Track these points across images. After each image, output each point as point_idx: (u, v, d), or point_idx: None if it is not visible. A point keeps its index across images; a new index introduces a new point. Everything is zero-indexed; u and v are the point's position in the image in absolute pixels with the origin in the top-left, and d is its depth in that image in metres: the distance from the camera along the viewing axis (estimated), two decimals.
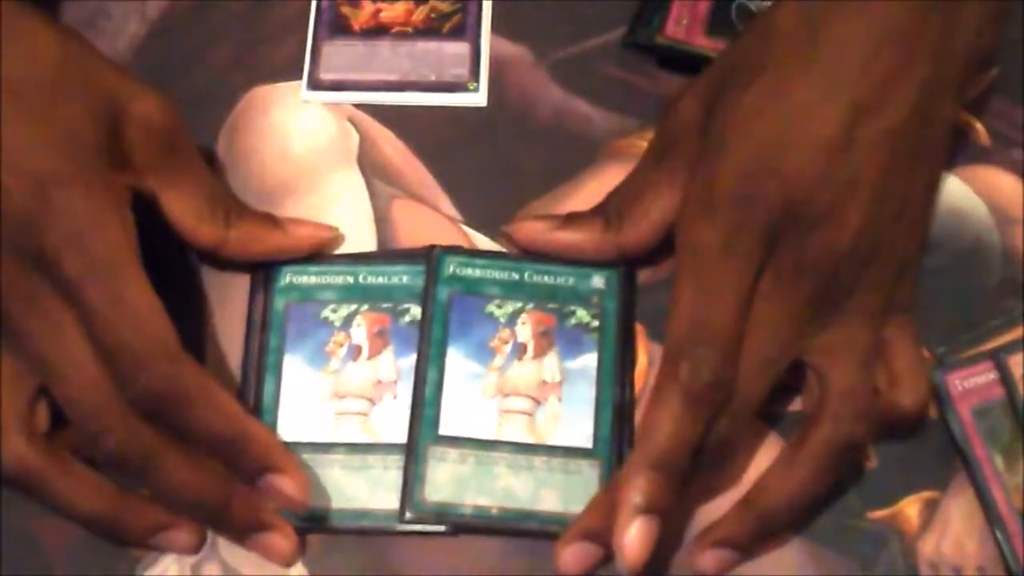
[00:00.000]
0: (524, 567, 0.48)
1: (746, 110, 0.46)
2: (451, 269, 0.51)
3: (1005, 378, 0.49)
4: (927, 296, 0.50)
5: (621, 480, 0.45)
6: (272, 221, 0.51)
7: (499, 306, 0.51)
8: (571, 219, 0.51)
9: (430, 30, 0.57)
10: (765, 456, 0.49)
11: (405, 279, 0.51)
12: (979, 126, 0.54)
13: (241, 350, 0.51)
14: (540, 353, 0.50)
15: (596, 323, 0.50)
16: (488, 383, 0.50)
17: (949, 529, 0.48)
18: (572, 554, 0.46)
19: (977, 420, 0.49)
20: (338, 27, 0.57)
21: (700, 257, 0.46)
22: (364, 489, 0.49)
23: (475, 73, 0.56)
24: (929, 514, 0.49)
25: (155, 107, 0.48)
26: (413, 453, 0.48)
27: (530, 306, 0.51)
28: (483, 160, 0.55)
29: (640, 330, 0.51)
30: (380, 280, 0.51)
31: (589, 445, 0.49)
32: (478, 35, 0.56)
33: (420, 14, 0.57)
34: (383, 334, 0.51)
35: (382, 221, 0.53)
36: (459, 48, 0.56)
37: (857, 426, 0.46)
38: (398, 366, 0.50)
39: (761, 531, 0.47)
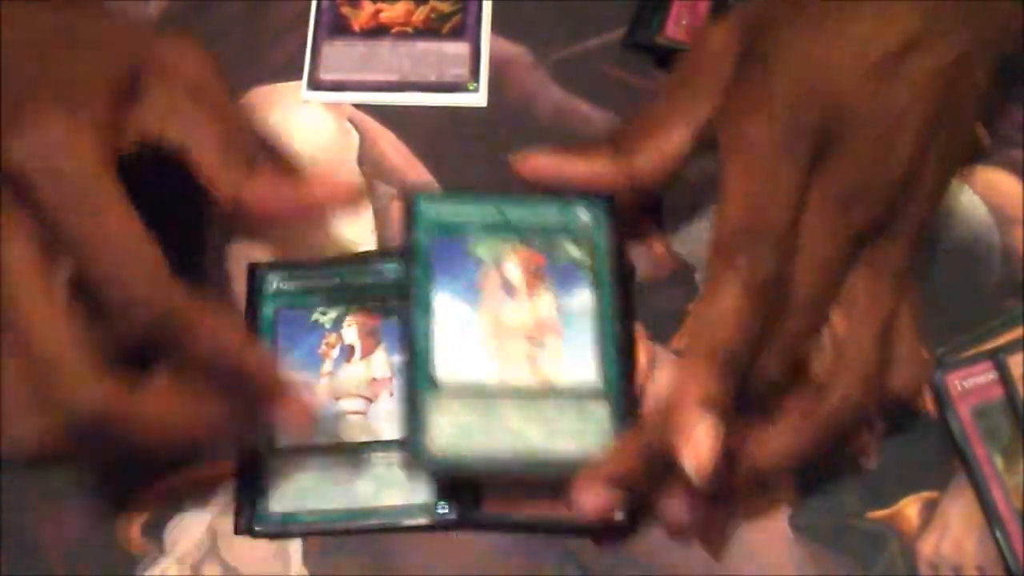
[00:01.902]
0: (524, 567, 0.48)
1: (795, 34, 0.45)
2: (429, 213, 0.49)
3: (1005, 378, 0.49)
4: (927, 296, 0.50)
5: (679, 377, 0.43)
6: (295, 172, 0.48)
7: (484, 247, 0.48)
8: (580, 148, 0.49)
9: (430, 30, 0.57)
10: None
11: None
12: (979, 127, 0.54)
13: None
14: (533, 292, 0.48)
15: (588, 258, 0.49)
16: (482, 326, 0.48)
17: (949, 529, 0.48)
18: (595, 498, 0.45)
19: (977, 420, 0.49)
20: (338, 27, 0.57)
21: (754, 153, 0.44)
22: (370, 488, 0.49)
23: (475, 73, 0.56)
24: (929, 514, 0.49)
25: (181, 52, 0.46)
26: (411, 403, 0.47)
27: (517, 244, 0.49)
28: (483, 160, 0.55)
29: (640, 330, 0.51)
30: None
31: (597, 384, 0.47)
32: (478, 35, 0.56)
33: (420, 14, 0.57)
34: (374, 333, 0.50)
35: (382, 221, 0.53)
36: (459, 48, 0.56)
37: (866, 398, 0.45)
38: (391, 363, 0.50)
39: (748, 483, 0.46)
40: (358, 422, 0.49)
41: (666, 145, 0.47)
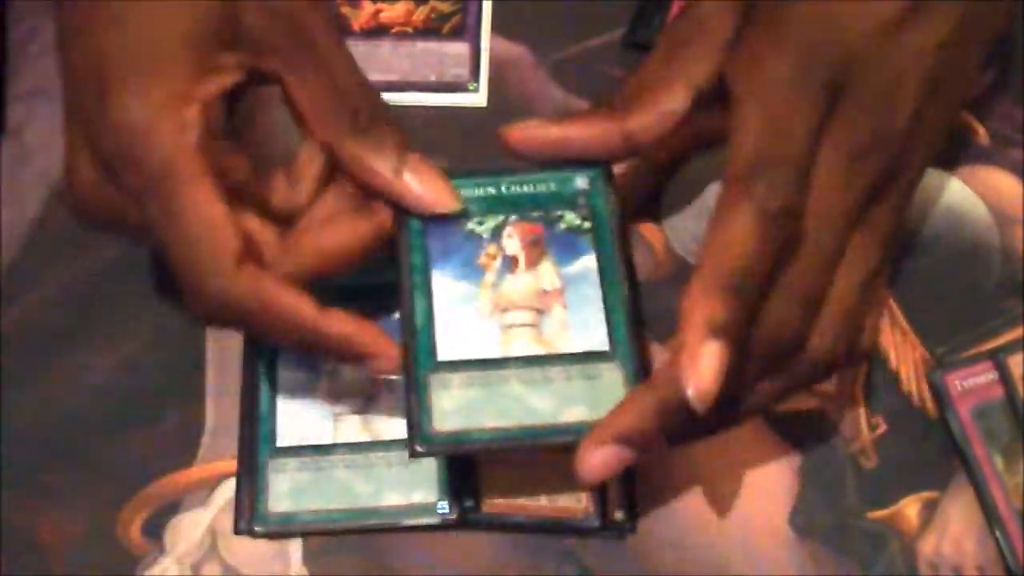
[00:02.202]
0: (525, 565, 0.48)
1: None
2: None
3: (1005, 378, 0.49)
4: (927, 296, 0.50)
5: (687, 302, 0.42)
6: (397, 153, 0.46)
7: (480, 223, 0.48)
8: (572, 114, 0.48)
9: (430, 30, 0.57)
10: (765, 456, 0.49)
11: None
12: (979, 126, 0.54)
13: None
14: (533, 263, 0.47)
15: (588, 224, 0.48)
16: (483, 301, 0.47)
17: (948, 529, 0.48)
18: (601, 458, 0.43)
19: (977, 420, 0.49)
20: (338, 27, 0.57)
21: (771, 88, 0.43)
22: (370, 488, 0.49)
23: (475, 73, 0.56)
24: (928, 514, 0.49)
25: None
26: (412, 385, 0.45)
27: (513, 217, 0.48)
28: (483, 160, 0.54)
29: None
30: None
31: (606, 348, 0.46)
32: (478, 35, 0.56)
33: (420, 14, 0.57)
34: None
35: None
36: (459, 48, 0.56)
37: (838, 350, 0.44)
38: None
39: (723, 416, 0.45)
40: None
41: (663, 104, 0.46)
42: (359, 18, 0.57)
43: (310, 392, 0.50)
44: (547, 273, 0.47)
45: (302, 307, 0.44)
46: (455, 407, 0.44)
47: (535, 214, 0.48)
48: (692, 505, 0.49)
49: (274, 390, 0.50)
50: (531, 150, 0.48)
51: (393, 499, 0.48)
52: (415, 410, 0.44)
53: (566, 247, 0.47)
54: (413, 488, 0.48)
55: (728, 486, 0.49)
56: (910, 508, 0.49)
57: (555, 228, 0.47)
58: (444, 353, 0.45)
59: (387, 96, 0.55)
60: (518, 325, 0.46)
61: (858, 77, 0.44)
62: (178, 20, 0.44)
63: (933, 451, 0.49)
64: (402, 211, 0.47)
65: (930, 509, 0.49)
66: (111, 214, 0.44)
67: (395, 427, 0.49)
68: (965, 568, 0.48)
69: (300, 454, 0.49)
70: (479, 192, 0.48)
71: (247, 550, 0.49)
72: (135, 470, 0.50)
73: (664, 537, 0.49)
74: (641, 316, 0.48)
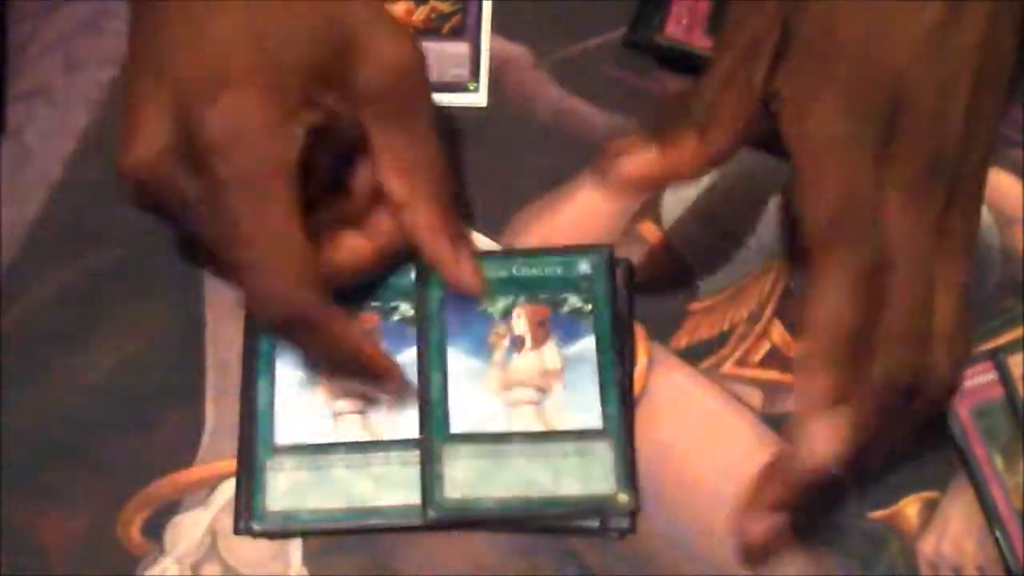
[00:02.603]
0: (524, 566, 0.48)
1: (842, 6, 0.44)
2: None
3: (1005, 378, 0.49)
4: None
5: (801, 379, 0.43)
6: (458, 243, 0.49)
7: (492, 303, 0.51)
8: (668, 140, 0.47)
9: (430, 30, 0.57)
10: (765, 456, 0.49)
11: (391, 278, 0.51)
12: None
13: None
14: (538, 343, 0.50)
15: (589, 307, 0.51)
16: (491, 378, 0.50)
17: (949, 529, 0.48)
18: (763, 527, 0.45)
19: (977, 420, 0.49)
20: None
21: (825, 145, 0.44)
22: (368, 488, 0.49)
23: (475, 73, 0.56)
24: (929, 514, 0.49)
25: (401, 54, 0.47)
26: (428, 454, 0.49)
27: (522, 299, 0.51)
28: (483, 160, 0.55)
29: (640, 330, 0.51)
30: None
31: (599, 425, 0.49)
32: (478, 35, 0.56)
33: (420, 14, 0.57)
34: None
35: None
36: (459, 48, 0.56)
37: (913, 366, 0.44)
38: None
39: (815, 482, 0.45)
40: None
41: (739, 118, 0.46)
42: None
43: (309, 391, 0.50)
44: (550, 354, 0.50)
45: (353, 330, 0.47)
46: (465, 477, 0.48)
47: (542, 296, 0.51)
48: (692, 505, 0.49)
49: (273, 389, 0.50)
50: (637, 186, 0.48)
51: (392, 499, 0.48)
52: (429, 478, 0.48)
53: (568, 329, 0.51)
54: (413, 488, 0.48)
55: (728, 486, 0.49)
56: (910, 508, 0.49)
57: (560, 310, 0.51)
58: (456, 426, 0.49)
59: None
60: (522, 402, 0.50)
61: (910, 95, 0.44)
62: (301, 43, 0.45)
63: (933, 451, 0.49)
64: (423, 286, 0.51)
65: (930, 509, 0.49)
66: (163, 181, 0.45)
67: (395, 427, 0.49)
68: (965, 568, 0.48)
69: (299, 453, 0.49)
70: (492, 274, 0.51)
71: (247, 550, 0.49)
72: (135, 470, 0.50)
73: (664, 537, 0.49)
74: (630, 393, 0.50)
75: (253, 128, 0.44)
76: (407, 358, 0.50)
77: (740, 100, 0.46)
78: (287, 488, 0.49)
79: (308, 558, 0.49)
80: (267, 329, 0.46)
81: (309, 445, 0.49)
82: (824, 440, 0.43)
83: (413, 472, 0.49)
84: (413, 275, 0.51)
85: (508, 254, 0.52)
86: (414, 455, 0.49)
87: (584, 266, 0.51)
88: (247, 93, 0.44)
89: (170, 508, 0.49)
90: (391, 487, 0.49)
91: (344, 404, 0.50)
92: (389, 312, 0.51)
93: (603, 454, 0.49)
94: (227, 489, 0.49)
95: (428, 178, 0.48)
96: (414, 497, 0.48)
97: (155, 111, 0.44)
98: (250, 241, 0.44)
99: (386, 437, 0.49)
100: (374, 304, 0.51)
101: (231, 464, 0.50)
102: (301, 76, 0.45)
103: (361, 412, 0.50)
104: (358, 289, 0.51)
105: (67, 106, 0.56)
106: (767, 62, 0.46)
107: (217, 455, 0.50)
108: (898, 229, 0.43)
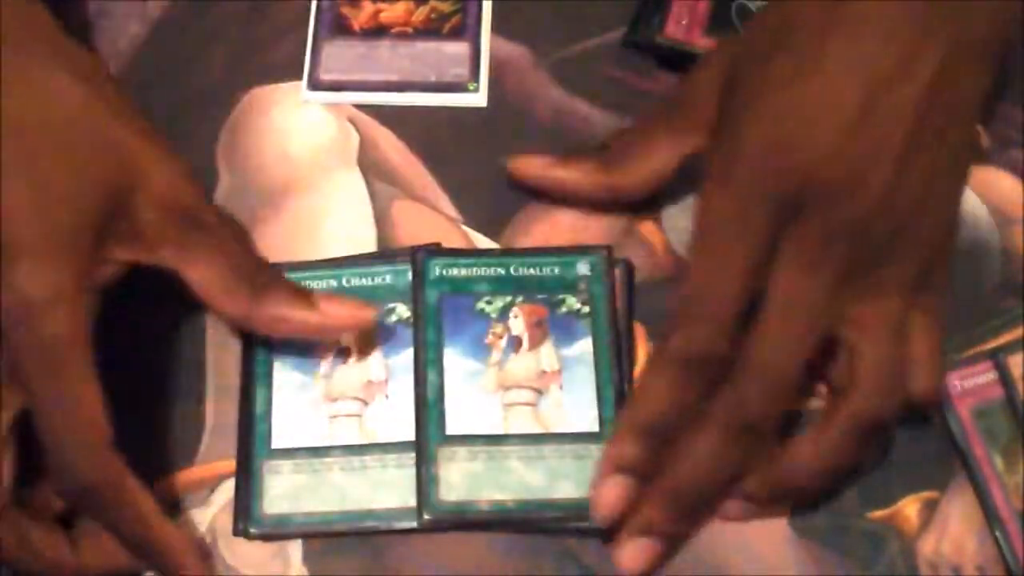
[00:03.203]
0: (524, 567, 0.48)
1: (766, 85, 0.46)
2: (437, 271, 0.51)
3: (1004, 378, 0.49)
4: None
5: (611, 438, 0.47)
6: (304, 297, 0.48)
7: (489, 302, 0.51)
8: (568, 157, 0.52)
9: (430, 30, 0.57)
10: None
11: (388, 279, 0.51)
12: (979, 127, 0.54)
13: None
14: (535, 344, 0.50)
15: (587, 309, 0.51)
16: (488, 379, 0.50)
17: (948, 529, 0.48)
18: (608, 490, 0.47)
19: (976, 420, 0.49)
20: (338, 27, 0.57)
21: (713, 229, 0.46)
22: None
23: (475, 73, 0.56)
24: (928, 514, 0.49)
25: (172, 182, 0.47)
26: (423, 456, 0.49)
27: (520, 299, 0.51)
28: (483, 160, 0.55)
29: (639, 330, 0.51)
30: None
31: (596, 428, 0.49)
32: (478, 35, 0.56)
33: (420, 14, 0.57)
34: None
35: (382, 221, 0.54)
36: (459, 48, 0.56)
37: (886, 401, 0.46)
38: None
39: (782, 496, 0.48)
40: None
41: (649, 164, 0.50)
42: (359, 18, 0.57)
43: (306, 394, 0.50)
44: (548, 355, 0.50)
45: (149, 508, 0.45)
46: (460, 479, 0.48)
47: (540, 296, 0.51)
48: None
49: (270, 391, 0.50)
50: (530, 182, 0.52)
51: (388, 502, 0.48)
52: (425, 480, 0.48)
53: (566, 330, 0.51)
54: (408, 491, 0.48)
55: (728, 486, 0.49)
56: (910, 508, 0.49)
57: (557, 311, 0.51)
58: (452, 427, 0.49)
59: (387, 96, 0.56)
60: (519, 404, 0.50)
61: (821, 177, 0.45)
62: (86, 204, 0.45)
63: (932, 451, 0.49)
64: (420, 285, 0.51)
65: (930, 509, 0.49)
66: None
67: (391, 430, 0.49)
68: (965, 568, 0.48)
69: (295, 456, 0.49)
70: (490, 273, 0.51)
71: (247, 550, 0.49)
72: (135, 470, 0.50)
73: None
74: (626, 398, 0.50)
75: (44, 299, 0.43)
76: (404, 360, 0.50)
77: (655, 152, 0.50)
78: (283, 491, 0.49)
79: (308, 558, 0.49)
80: (72, 501, 0.45)
81: (305, 448, 0.49)
82: (607, 501, 0.47)
83: (409, 474, 0.49)
84: (580, 268, 0.51)
85: (506, 253, 0.52)
86: (410, 458, 0.49)
87: (582, 267, 0.51)
88: (35, 264, 0.43)
89: (170, 508, 0.49)
90: (387, 490, 0.49)
91: (341, 407, 0.50)
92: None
93: (599, 458, 0.48)
94: (227, 489, 0.49)
95: (247, 276, 0.48)
96: (410, 500, 0.48)
97: None
98: (45, 411, 0.44)
99: (382, 440, 0.49)
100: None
101: (231, 464, 0.50)
102: (89, 237, 0.45)
103: (358, 415, 0.50)
104: (354, 293, 0.51)
105: None
106: (694, 125, 0.48)
107: (217, 455, 0.50)
108: (777, 301, 0.45)
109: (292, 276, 0.51)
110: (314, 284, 0.51)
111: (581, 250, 0.52)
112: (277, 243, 0.53)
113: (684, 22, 0.56)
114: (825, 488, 0.48)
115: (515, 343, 0.50)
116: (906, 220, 0.45)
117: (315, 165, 0.54)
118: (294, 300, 0.48)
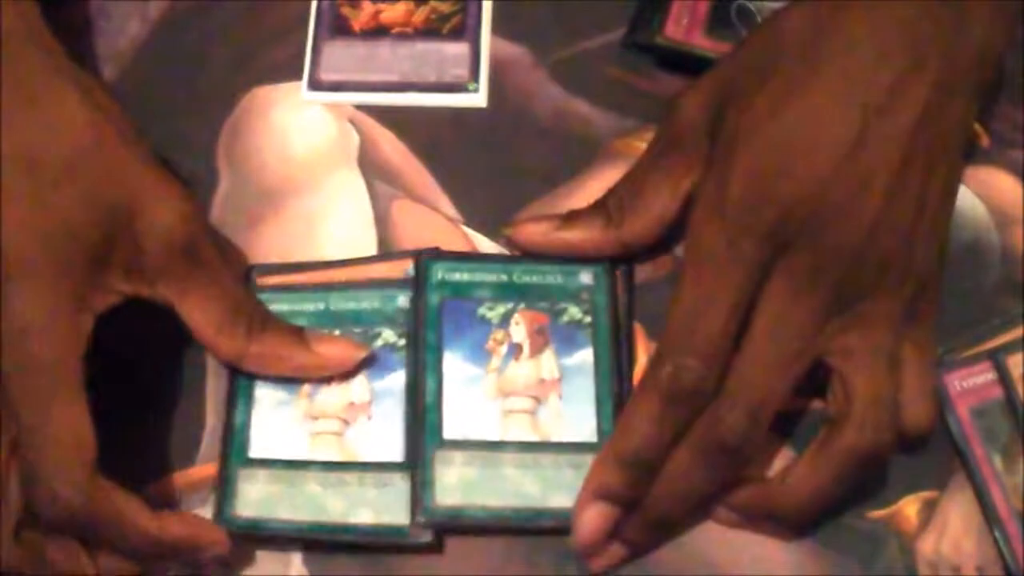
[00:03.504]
0: (523, 569, 0.48)
1: (756, 114, 0.46)
2: (439, 275, 0.51)
3: (1004, 378, 0.49)
4: None
5: (593, 465, 0.47)
6: (297, 337, 0.49)
7: (491, 308, 0.51)
8: (571, 218, 0.51)
9: (430, 31, 0.57)
10: (765, 456, 0.49)
11: (376, 303, 0.51)
12: (979, 128, 0.54)
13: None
14: (536, 352, 0.50)
15: (588, 319, 0.51)
16: (488, 385, 0.50)
17: (948, 529, 0.48)
18: (590, 517, 0.47)
19: (976, 420, 0.49)
20: (338, 28, 0.57)
21: (703, 260, 0.46)
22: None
23: (475, 73, 0.56)
24: (928, 514, 0.49)
25: (176, 217, 0.46)
26: (420, 459, 0.48)
27: (522, 306, 0.51)
28: (483, 160, 0.55)
29: (639, 330, 0.51)
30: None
31: (594, 439, 0.49)
32: (478, 36, 0.56)
33: (420, 15, 0.57)
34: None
35: (382, 222, 0.54)
36: (459, 49, 0.56)
37: (881, 435, 0.45)
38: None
39: (770, 521, 0.47)
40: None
41: (653, 212, 0.50)
42: (359, 18, 0.57)
43: (288, 411, 0.50)
44: (548, 363, 0.50)
45: (143, 517, 0.45)
46: (455, 484, 0.48)
47: (542, 304, 0.51)
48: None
49: (250, 405, 0.50)
50: (535, 249, 0.51)
51: (363, 518, 0.48)
52: (420, 484, 0.48)
53: (567, 339, 0.50)
54: (384, 510, 0.48)
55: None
56: (909, 508, 0.49)
57: (559, 320, 0.51)
58: (449, 432, 0.49)
59: (387, 96, 0.56)
60: (517, 411, 0.49)
61: (811, 208, 0.45)
62: (88, 233, 0.45)
63: (933, 451, 0.49)
64: (422, 287, 0.51)
65: (929, 509, 0.49)
66: None
67: (373, 450, 0.49)
68: (964, 568, 0.48)
69: (272, 466, 0.49)
70: (492, 278, 0.51)
71: (247, 551, 0.49)
72: (135, 470, 0.50)
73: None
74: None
75: (39, 321, 0.43)
76: (388, 383, 0.50)
77: (656, 199, 0.49)
78: (257, 498, 0.49)
79: (308, 558, 0.49)
80: (60, 527, 0.44)
81: (283, 460, 0.49)
82: (587, 527, 0.46)
83: (385, 494, 0.48)
84: (400, 300, 0.51)
85: (509, 260, 0.52)
86: (390, 477, 0.48)
87: (585, 277, 0.51)
88: (33, 285, 0.44)
89: (170, 508, 0.49)
90: (363, 506, 0.48)
91: (322, 425, 0.50)
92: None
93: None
94: None
95: (244, 316, 0.48)
96: (385, 518, 0.48)
97: None
98: (30, 432, 0.43)
99: (361, 459, 0.49)
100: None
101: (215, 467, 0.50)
102: (89, 263, 0.45)
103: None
104: (341, 316, 0.51)
105: None
106: (689, 163, 0.48)
107: (217, 455, 0.50)
108: (759, 336, 0.45)
109: (282, 298, 0.51)
110: (302, 307, 0.51)
111: (585, 260, 0.51)
112: (277, 243, 0.53)
113: (684, 22, 0.56)
114: (816, 515, 0.48)
115: (516, 350, 0.50)
116: (896, 249, 0.46)
117: (315, 165, 0.54)
118: (288, 341, 0.49)
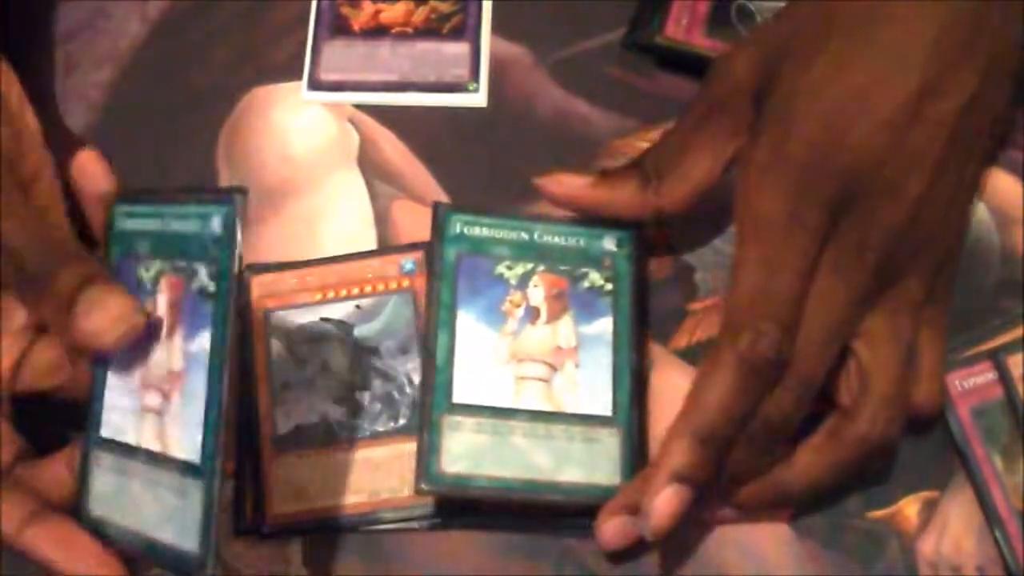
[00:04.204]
0: (524, 567, 0.48)
1: (812, 82, 0.45)
2: (457, 228, 0.49)
3: (1004, 378, 0.49)
4: None
5: (663, 444, 0.45)
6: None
7: (509, 267, 0.49)
8: (607, 176, 0.49)
9: (430, 31, 0.57)
10: None
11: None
12: None
13: None
14: (554, 317, 0.49)
15: (610, 286, 0.49)
16: (501, 348, 0.48)
17: (948, 529, 0.48)
18: (614, 528, 0.46)
19: (976, 420, 0.49)
20: (338, 27, 0.57)
21: (765, 227, 0.45)
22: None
23: (475, 73, 0.56)
24: (928, 514, 0.49)
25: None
26: (427, 422, 0.47)
27: (541, 268, 0.49)
28: (483, 160, 0.55)
29: None
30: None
31: (609, 413, 0.47)
32: (478, 35, 0.56)
33: (420, 15, 0.57)
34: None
35: (382, 221, 0.54)
36: (459, 48, 0.56)
37: (892, 429, 0.45)
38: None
39: (775, 502, 0.47)
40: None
41: (693, 178, 0.48)
42: (359, 18, 0.57)
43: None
44: (566, 330, 0.48)
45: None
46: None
47: (562, 267, 0.49)
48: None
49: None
50: (566, 203, 0.49)
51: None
52: (425, 448, 0.46)
53: (586, 306, 0.49)
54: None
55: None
56: (910, 508, 0.49)
57: (579, 285, 0.49)
58: (459, 396, 0.47)
59: (387, 96, 0.56)
60: (531, 378, 0.48)
61: (865, 181, 0.44)
62: None
63: (932, 451, 0.49)
64: (439, 239, 0.49)
65: (930, 509, 0.49)
66: None
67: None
68: (965, 568, 0.48)
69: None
70: (513, 236, 0.49)
71: (247, 550, 0.49)
72: None
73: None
74: (646, 382, 0.49)
75: None
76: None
77: (697, 164, 0.48)
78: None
79: (308, 558, 0.49)
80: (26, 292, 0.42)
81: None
82: (664, 512, 0.44)
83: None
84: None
85: (531, 218, 0.50)
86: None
87: (608, 242, 0.50)
88: None
89: None
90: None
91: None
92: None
93: (610, 443, 0.47)
94: (227, 489, 0.49)
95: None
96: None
97: None
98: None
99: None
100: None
101: (230, 464, 0.49)
102: None
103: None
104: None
105: (65, 107, 0.56)
106: (735, 128, 0.47)
107: None
108: (816, 305, 0.44)
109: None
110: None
111: (609, 225, 0.50)
112: (277, 243, 0.53)
113: (684, 22, 0.55)
114: (821, 499, 0.48)
115: (533, 314, 0.49)
116: (931, 233, 0.46)
117: (315, 165, 0.54)
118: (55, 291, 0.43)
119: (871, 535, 0.48)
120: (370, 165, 0.55)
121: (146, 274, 0.43)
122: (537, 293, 0.49)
